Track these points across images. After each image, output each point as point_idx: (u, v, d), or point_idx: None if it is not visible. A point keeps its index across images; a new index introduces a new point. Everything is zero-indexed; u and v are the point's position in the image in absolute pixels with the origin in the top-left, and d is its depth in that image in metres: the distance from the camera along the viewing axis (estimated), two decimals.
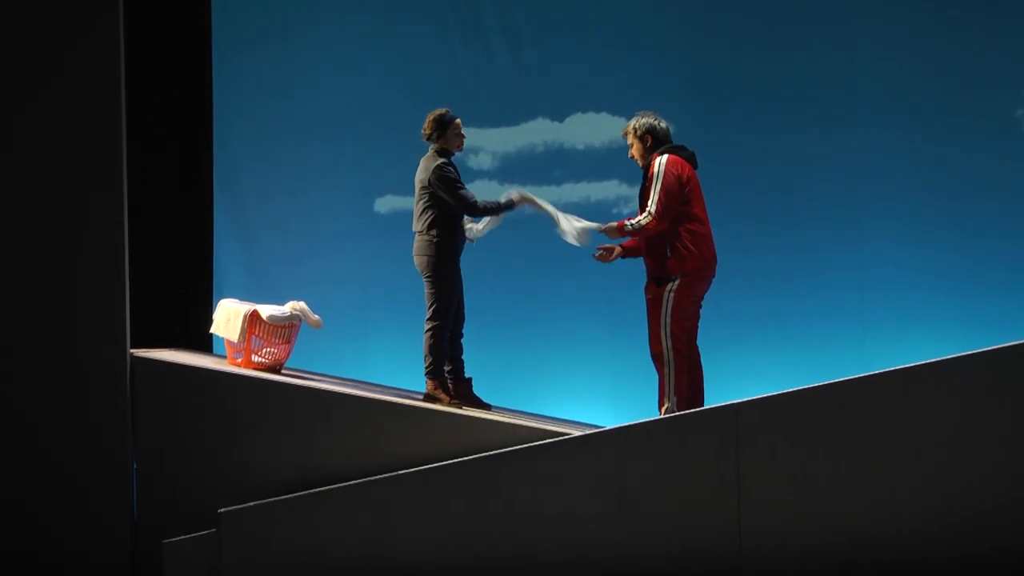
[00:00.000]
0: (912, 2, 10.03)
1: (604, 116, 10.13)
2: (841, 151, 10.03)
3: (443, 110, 7.93)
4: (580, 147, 10.17)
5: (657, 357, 7.66)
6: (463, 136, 7.94)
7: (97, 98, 7.33)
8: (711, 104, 10.04)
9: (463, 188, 7.82)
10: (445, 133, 7.89)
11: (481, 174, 10.12)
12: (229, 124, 9.88)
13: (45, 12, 7.30)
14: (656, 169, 7.65)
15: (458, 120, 7.91)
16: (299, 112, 10.06)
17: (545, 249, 10.00)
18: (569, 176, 10.15)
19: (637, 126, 7.79)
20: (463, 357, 8.04)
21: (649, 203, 7.62)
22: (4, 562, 7.22)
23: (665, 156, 7.68)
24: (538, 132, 10.16)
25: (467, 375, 8.04)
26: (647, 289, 7.70)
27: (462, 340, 8.04)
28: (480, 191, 8.11)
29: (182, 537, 7.14)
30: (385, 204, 10.08)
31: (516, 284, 10.03)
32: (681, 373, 7.61)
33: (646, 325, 7.71)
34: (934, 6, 10.02)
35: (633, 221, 7.65)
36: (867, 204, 10.03)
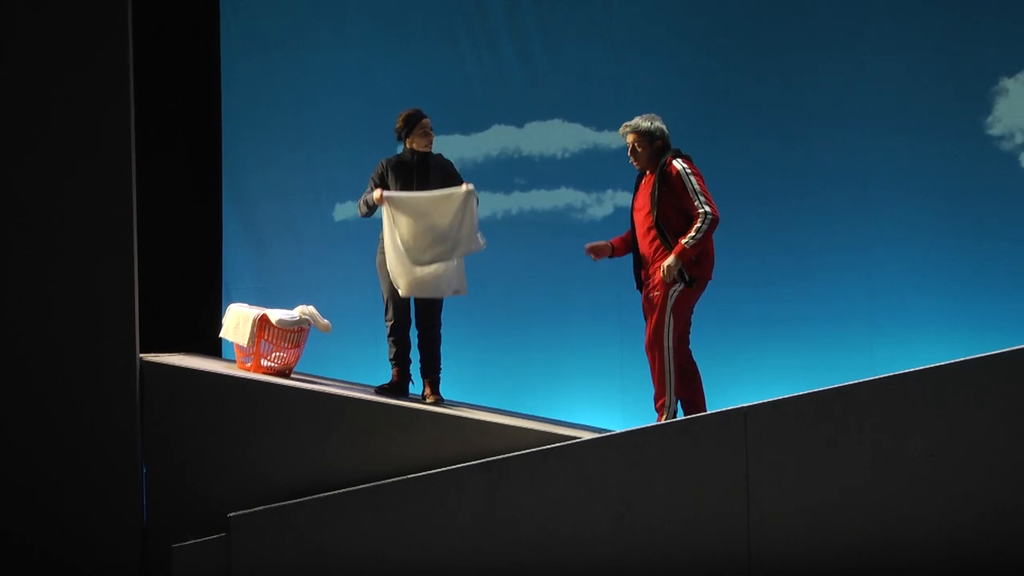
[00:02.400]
0: (922, 5, 10.01)
1: (556, 123, 10.12)
2: (849, 154, 10.00)
3: (409, 110, 8.20)
4: (538, 153, 10.16)
5: (657, 354, 7.64)
6: (425, 137, 8.12)
7: (106, 103, 7.34)
8: (718, 106, 10.01)
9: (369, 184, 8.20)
10: (411, 132, 8.15)
11: None
12: (238, 129, 9.89)
13: (55, 18, 7.31)
14: (680, 172, 7.60)
15: (422, 124, 8.12)
16: (307, 117, 10.06)
17: (554, 253, 10.01)
18: (528, 184, 10.12)
19: (652, 128, 7.74)
20: (421, 356, 8.17)
21: (697, 205, 7.55)
22: (14, 565, 7.23)
23: (681, 160, 7.67)
24: (498, 138, 10.15)
25: (411, 374, 8.16)
26: (657, 286, 7.66)
27: (427, 336, 8.15)
28: None
29: (192, 541, 7.15)
30: None
31: (524, 288, 10.02)
32: (683, 375, 7.63)
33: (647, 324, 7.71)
34: (944, 8, 9.99)
35: (691, 235, 7.54)
36: (876, 207, 10.00)
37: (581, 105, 10.05)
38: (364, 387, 8.15)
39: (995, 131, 10.04)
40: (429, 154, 8.15)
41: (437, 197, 7.96)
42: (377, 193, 7.99)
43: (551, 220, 10.07)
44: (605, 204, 10.00)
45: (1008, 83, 10.01)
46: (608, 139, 9.94)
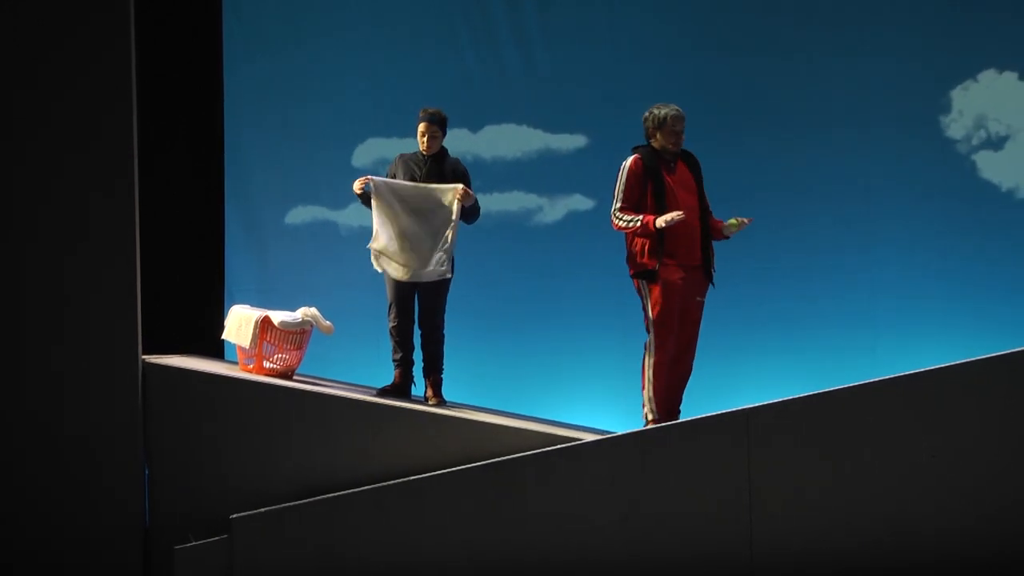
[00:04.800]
0: (924, 3, 10.01)
1: (520, 128, 10.14)
2: (850, 154, 10.01)
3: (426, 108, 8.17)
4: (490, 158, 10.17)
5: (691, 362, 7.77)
6: (422, 138, 8.08)
7: (108, 103, 7.34)
8: (720, 106, 10.01)
9: None
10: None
11: None
12: (240, 129, 9.89)
13: (57, 18, 7.31)
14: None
15: (421, 125, 8.08)
16: (309, 117, 10.06)
17: (556, 255, 10.01)
18: (483, 187, 10.12)
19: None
20: (423, 357, 8.13)
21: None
22: (16, 568, 7.23)
23: None
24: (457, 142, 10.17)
25: (415, 375, 8.13)
26: (702, 290, 7.83)
27: (433, 338, 8.11)
28: None
29: (194, 543, 7.15)
30: None
31: (527, 290, 10.02)
32: None
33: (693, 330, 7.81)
34: (947, 7, 9.99)
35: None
36: (877, 207, 10.01)
37: (584, 107, 10.06)
38: (366, 389, 8.15)
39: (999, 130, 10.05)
40: (443, 157, 8.12)
41: (422, 189, 7.95)
42: (359, 182, 8.00)
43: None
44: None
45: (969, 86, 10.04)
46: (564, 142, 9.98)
